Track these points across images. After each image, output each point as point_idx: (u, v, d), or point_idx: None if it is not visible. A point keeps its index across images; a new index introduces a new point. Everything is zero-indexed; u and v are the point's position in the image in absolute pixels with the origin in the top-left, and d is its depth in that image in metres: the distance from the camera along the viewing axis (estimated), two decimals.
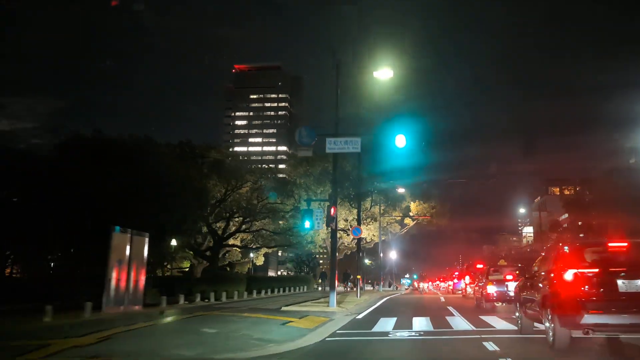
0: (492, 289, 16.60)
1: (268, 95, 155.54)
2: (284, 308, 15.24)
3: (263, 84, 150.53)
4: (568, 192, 77.73)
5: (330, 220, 15.51)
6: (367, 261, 75.06)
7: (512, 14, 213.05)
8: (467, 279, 30.90)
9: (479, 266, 33.68)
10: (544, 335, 7.82)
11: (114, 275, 12.65)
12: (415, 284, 67.83)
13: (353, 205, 38.27)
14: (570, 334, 7.01)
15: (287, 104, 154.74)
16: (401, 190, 39.49)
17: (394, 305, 19.98)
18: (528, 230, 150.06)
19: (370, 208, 39.19)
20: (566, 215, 52.34)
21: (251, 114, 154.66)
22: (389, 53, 17.04)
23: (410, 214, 42.95)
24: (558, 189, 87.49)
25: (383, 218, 40.41)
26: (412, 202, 42.61)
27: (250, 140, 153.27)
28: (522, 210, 75.09)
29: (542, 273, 8.28)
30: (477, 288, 20.37)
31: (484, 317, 13.19)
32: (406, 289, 56.46)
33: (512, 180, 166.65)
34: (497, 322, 11.79)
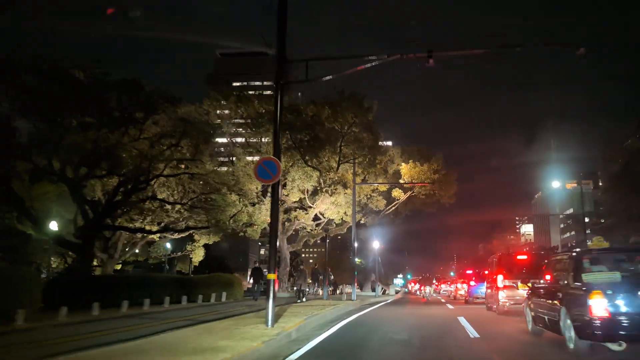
0: (599, 306, 5.94)
1: (252, 83, 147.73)
2: None
3: (248, 69, 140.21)
4: (570, 186, 71.90)
5: None
6: (357, 260, 61.33)
7: None
8: (501, 280, 17.08)
9: (521, 257, 19.66)
10: None
11: None
12: (410, 285, 54.31)
13: (310, 164, 24.25)
14: None
15: (272, 92, 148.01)
16: (388, 142, 25.44)
17: None
18: (527, 229, 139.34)
19: (337, 168, 24.94)
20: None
21: None
22: None
23: (402, 181, 28.61)
24: (559, 183, 79.37)
25: (360, 188, 26.35)
26: (403, 164, 28.31)
27: (233, 130, 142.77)
28: (556, 184, 60.77)
29: None
30: (540, 299, 8.53)
31: None
32: (397, 293, 42.00)
33: (512, 179, 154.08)
34: None
